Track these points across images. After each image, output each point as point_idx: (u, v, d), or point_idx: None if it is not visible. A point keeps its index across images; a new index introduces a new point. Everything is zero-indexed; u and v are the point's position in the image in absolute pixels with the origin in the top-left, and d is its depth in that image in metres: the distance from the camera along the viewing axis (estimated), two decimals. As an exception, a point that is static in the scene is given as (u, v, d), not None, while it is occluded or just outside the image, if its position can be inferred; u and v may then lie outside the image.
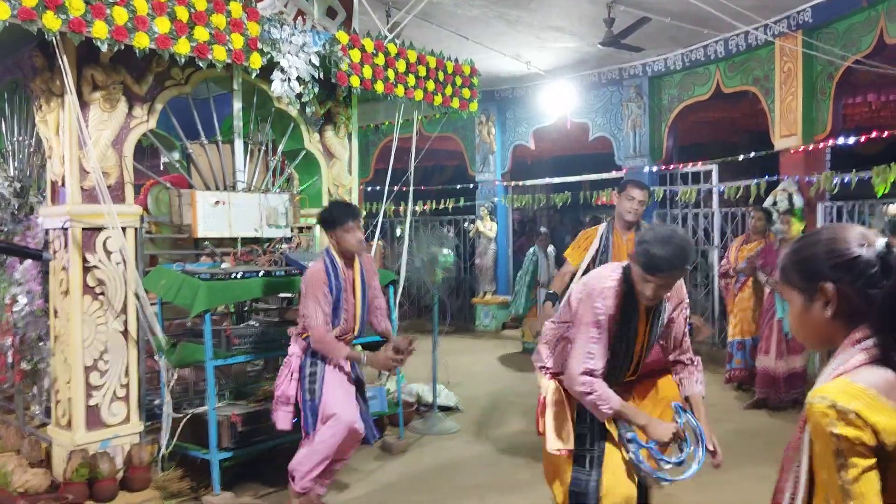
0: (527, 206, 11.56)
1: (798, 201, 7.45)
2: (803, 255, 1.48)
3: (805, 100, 7.48)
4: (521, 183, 11.56)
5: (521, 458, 5.04)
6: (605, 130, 10.23)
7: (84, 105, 4.29)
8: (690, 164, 9.25)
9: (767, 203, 7.61)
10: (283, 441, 4.64)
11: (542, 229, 10.70)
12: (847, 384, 1.29)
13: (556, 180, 11.53)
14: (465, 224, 11.72)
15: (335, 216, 4.06)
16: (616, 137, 10.08)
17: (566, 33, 8.19)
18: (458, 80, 5.93)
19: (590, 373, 2.90)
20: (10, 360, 4.88)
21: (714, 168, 8.88)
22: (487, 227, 11.09)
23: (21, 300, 4.72)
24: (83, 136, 4.25)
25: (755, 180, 8.02)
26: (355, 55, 5.13)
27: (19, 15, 3.61)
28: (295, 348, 4.05)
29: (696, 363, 3.20)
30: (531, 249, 9.93)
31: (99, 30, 3.86)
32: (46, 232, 4.58)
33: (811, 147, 7.48)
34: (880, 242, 1.39)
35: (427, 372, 6.09)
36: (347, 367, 4.05)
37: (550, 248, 10.03)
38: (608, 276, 3.00)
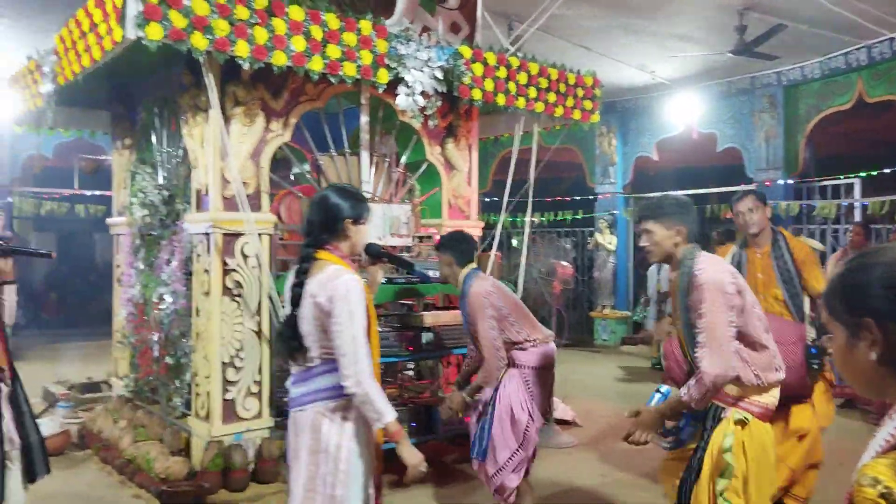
0: (649, 220, 11.27)
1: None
2: (852, 281, 1.17)
3: (960, 108, 6.92)
4: (642, 195, 11.29)
5: (639, 477, 4.92)
6: (734, 141, 9.81)
7: (226, 119, 4.60)
8: (830, 177, 8.73)
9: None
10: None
11: None
12: None
13: (681, 193, 11.16)
14: (585, 236, 11.58)
15: None
16: (747, 149, 9.64)
17: (693, 42, 7.95)
18: (580, 92, 5.89)
19: None
20: (156, 354, 5.28)
21: (856, 182, 8.34)
22: (607, 240, 10.91)
23: (167, 299, 5.10)
24: (225, 149, 4.56)
25: (903, 195, 7.48)
26: (478, 69, 5.21)
27: (170, 35, 3.93)
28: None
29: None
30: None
31: (241, 49, 4.15)
32: (191, 237, 4.94)
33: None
34: None
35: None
36: None
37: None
38: None
